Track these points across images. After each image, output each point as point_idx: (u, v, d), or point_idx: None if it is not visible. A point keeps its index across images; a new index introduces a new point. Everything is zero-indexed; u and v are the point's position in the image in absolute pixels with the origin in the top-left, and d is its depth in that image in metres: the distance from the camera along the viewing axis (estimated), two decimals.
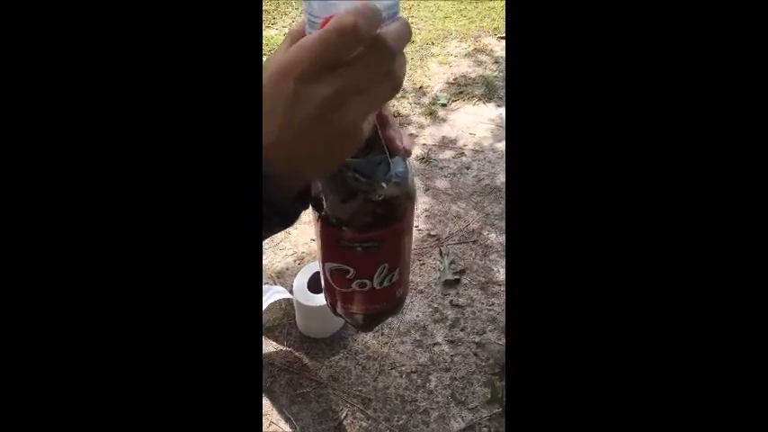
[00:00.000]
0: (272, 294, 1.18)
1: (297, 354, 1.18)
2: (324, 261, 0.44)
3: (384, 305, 0.46)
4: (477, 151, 1.69)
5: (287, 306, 1.24)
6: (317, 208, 0.38)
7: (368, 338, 1.18)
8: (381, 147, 0.39)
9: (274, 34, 2.53)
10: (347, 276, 0.44)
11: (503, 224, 1.42)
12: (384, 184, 0.40)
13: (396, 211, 0.41)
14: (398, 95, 1.98)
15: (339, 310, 0.46)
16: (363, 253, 0.42)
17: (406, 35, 0.29)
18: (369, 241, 0.45)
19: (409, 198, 0.42)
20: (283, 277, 1.33)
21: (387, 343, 1.17)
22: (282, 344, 1.19)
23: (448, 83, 2.06)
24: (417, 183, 1.58)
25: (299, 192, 0.31)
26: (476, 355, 1.12)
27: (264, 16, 2.75)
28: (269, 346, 1.20)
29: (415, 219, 1.46)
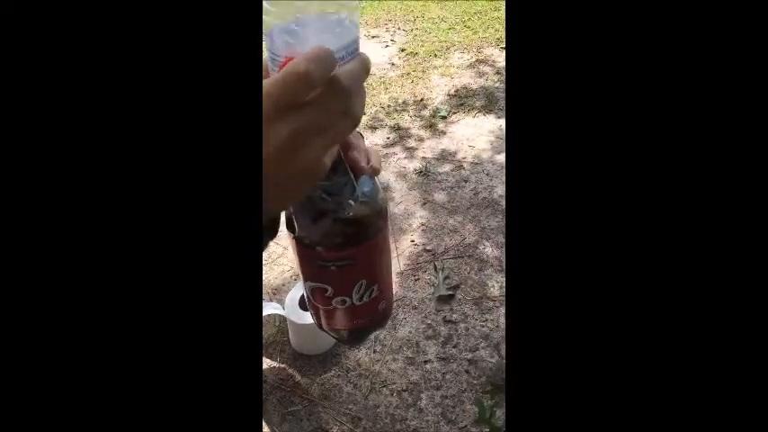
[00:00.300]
0: (266, 310, 1.19)
1: (290, 371, 1.18)
2: (304, 280, 0.45)
3: (367, 320, 0.46)
4: (475, 164, 1.68)
5: (281, 323, 1.25)
6: (291, 229, 0.39)
7: (360, 355, 1.18)
8: (345, 169, 0.39)
9: None
10: (326, 294, 0.45)
11: (499, 238, 1.41)
12: (351, 203, 0.40)
13: (366, 229, 0.42)
14: (399, 108, 1.99)
15: (324, 326, 0.47)
16: (338, 271, 0.43)
17: (362, 73, 0.31)
18: (342, 260, 0.45)
19: (380, 216, 0.43)
20: (279, 293, 1.34)
21: (379, 360, 1.16)
22: (276, 360, 1.20)
23: (449, 95, 2.06)
24: (415, 196, 1.58)
25: (265, 224, 0.33)
26: (467, 372, 1.11)
27: None
28: (263, 362, 1.20)
29: (412, 233, 1.45)
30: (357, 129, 0.39)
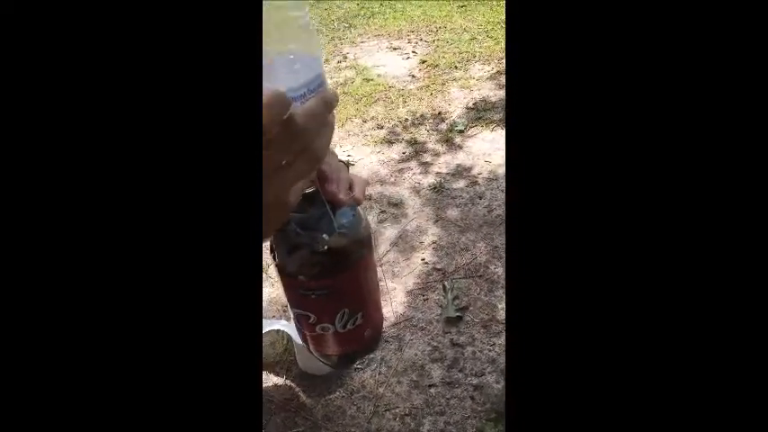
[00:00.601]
0: (275, 326, 1.20)
1: (295, 390, 1.18)
2: (290, 306, 0.45)
3: (353, 346, 0.47)
4: (491, 179, 1.65)
5: (289, 342, 1.26)
6: (273, 257, 0.39)
7: (365, 377, 1.17)
8: (322, 201, 0.40)
9: None
10: (310, 321, 0.45)
11: None
12: (326, 237, 0.41)
13: (346, 259, 0.42)
14: (417, 122, 1.98)
15: (312, 351, 0.47)
16: (319, 300, 0.43)
17: (322, 111, 0.31)
18: (322, 289, 0.46)
19: (361, 245, 0.43)
20: (289, 310, 1.35)
21: (383, 383, 1.15)
22: (282, 378, 1.20)
23: (467, 108, 2.03)
24: (428, 213, 1.56)
25: None
26: (472, 398, 1.09)
27: None
28: (269, 381, 1.21)
29: (423, 251, 1.44)
30: (343, 161, 0.39)
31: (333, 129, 0.34)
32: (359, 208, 0.45)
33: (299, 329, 0.46)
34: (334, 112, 0.34)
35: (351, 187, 0.44)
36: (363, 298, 0.45)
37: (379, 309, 0.48)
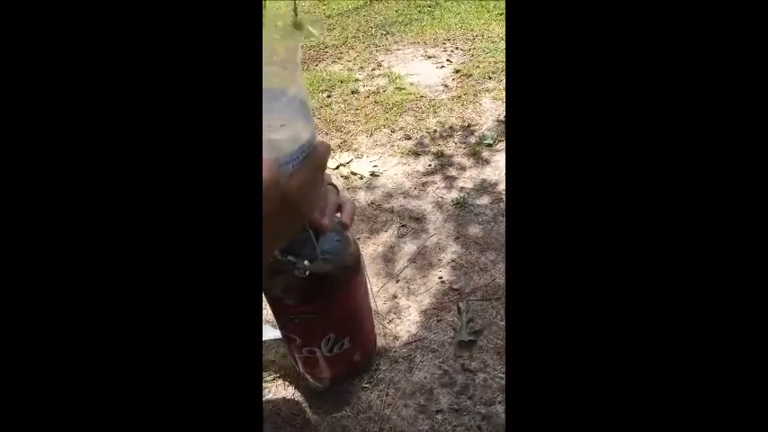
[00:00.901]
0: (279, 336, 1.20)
1: (302, 406, 1.18)
2: (278, 328, 0.46)
3: (341, 370, 0.48)
4: None
5: None
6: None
7: (372, 397, 1.15)
8: (305, 227, 0.40)
9: (338, 69, 2.61)
10: (296, 344, 0.46)
11: None
12: (307, 262, 0.41)
13: (331, 285, 0.42)
14: (445, 134, 1.95)
15: (302, 372, 0.48)
16: (303, 324, 0.44)
17: (311, 178, 0.32)
18: (305, 314, 0.46)
19: (347, 271, 0.43)
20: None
21: (390, 404, 1.13)
22: (291, 392, 1.20)
23: (498, 120, 1.98)
24: (449, 229, 1.53)
25: None
26: (479, 428, 1.05)
27: (332, 51, 2.85)
28: (279, 393, 1.21)
29: (440, 269, 1.41)
30: (338, 186, 0.39)
31: (322, 185, 0.35)
32: (347, 232, 0.44)
33: (288, 351, 0.46)
34: (327, 164, 0.34)
35: (340, 210, 0.44)
36: (350, 323, 0.45)
37: (369, 332, 0.48)
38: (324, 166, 0.33)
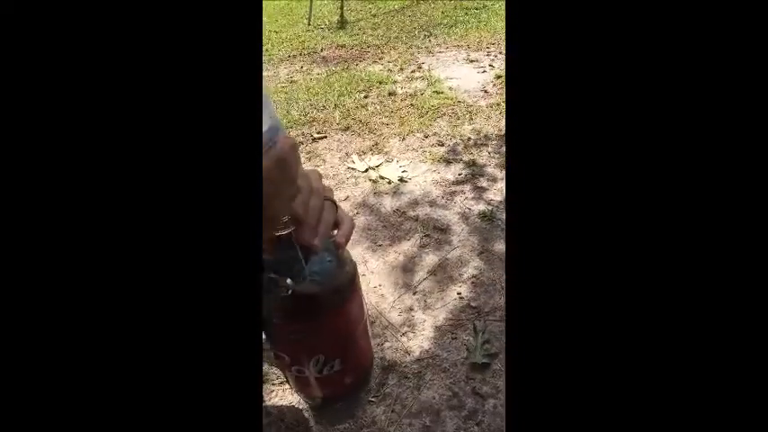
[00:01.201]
0: None
1: (306, 415, 1.16)
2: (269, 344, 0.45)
3: (331, 391, 0.47)
4: None
5: None
6: None
7: (377, 413, 1.12)
8: (293, 245, 0.38)
9: (378, 70, 2.58)
10: (285, 362, 0.46)
11: None
12: (290, 282, 0.40)
13: (320, 305, 0.41)
14: (480, 143, 1.89)
15: (294, 390, 0.48)
16: (293, 343, 0.43)
17: (276, 174, 0.30)
18: (294, 333, 0.45)
19: (339, 292, 0.42)
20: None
21: (395, 422, 1.10)
22: (297, 401, 1.19)
23: None
24: (473, 243, 1.48)
25: None
26: None
27: (373, 51, 2.83)
28: (284, 399, 1.20)
29: (460, 284, 1.36)
30: (338, 204, 0.38)
31: (294, 183, 0.32)
32: (344, 251, 0.42)
33: (279, 368, 0.46)
34: (298, 157, 0.32)
35: (338, 227, 0.41)
36: (341, 345, 0.43)
37: (362, 356, 0.46)
38: (288, 164, 0.31)
